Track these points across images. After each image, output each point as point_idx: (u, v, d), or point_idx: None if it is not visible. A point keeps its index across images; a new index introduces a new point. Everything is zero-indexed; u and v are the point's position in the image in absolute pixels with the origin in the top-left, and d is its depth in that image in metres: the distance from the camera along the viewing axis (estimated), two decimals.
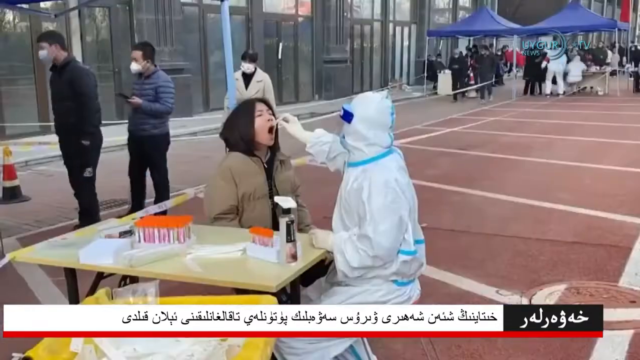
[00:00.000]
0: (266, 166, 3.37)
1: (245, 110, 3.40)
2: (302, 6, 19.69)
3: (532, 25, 22.69)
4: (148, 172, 6.19)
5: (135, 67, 5.89)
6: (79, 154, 5.59)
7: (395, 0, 24.67)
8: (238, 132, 3.35)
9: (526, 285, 4.45)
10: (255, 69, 7.45)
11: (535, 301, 4.16)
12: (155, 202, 5.95)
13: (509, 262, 4.94)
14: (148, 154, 6.01)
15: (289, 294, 2.80)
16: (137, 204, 6.06)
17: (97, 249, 2.92)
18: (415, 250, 2.69)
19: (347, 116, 2.70)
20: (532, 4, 32.57)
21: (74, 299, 3.10)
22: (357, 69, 22.52)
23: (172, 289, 2.92)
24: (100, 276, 3.16)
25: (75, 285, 3.15)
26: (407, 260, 2.66)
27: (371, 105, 2.70)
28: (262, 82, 7.34)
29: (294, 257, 2.69)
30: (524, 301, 4.16)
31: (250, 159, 3.31)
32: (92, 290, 3.03)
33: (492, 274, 4.67)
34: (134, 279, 3.07)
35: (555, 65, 20.85)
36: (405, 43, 25.90)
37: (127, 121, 6.20)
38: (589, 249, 5.24)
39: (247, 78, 7.36)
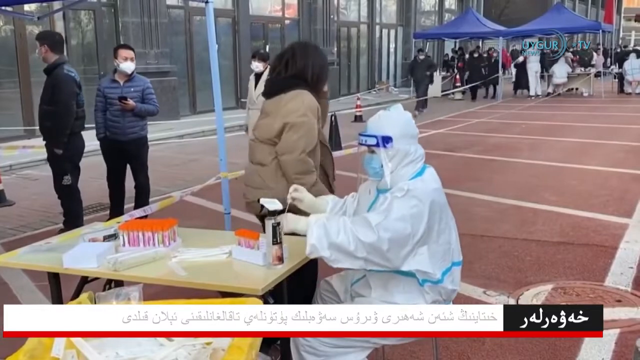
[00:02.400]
0: None
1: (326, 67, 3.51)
2: (288, 9, 19.70)
3: (517, 27, 22.84)
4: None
5: (132, 66, 5.78)
6: (53, 161, 5.59)
7: (381, 2, 24.76)
8: (319, 74, 3.39)
9: (513, 285, 4.47)
10: (266, 68, 7.24)
11: (522, 301, 4.17)
12: (137, 203, 5.91)
13: (495, 263, 4.95)
14: (136, 155, 5.94)
15: (276, 297, 2.79)
16: (117, 208, 6.01)
17: (81, 253, 2.89)
18: (440, 280, 2.56)
19: (387, 140, 2.55)
20: (517, 6, 32.84)
21: (58, 303, 3.06)
22: (344, 71, 22.55)
23: (156, 292, 2.90)
24: (84, 280, 3.13)
25: (59, 290, 3.12)
26: (435, 289, 2.58)
27: (401, 121, 2.62)
28: None
29: (280, 259, 2.68)
30: (511, 301, 4.17)
31: (316, 98, 3.36)
32: (76, 295, 3.00)
33: (479, 274, 4.68)
34: (119, 283, 3.05)
35: (534, 66, 21.02)
36: (392, 45, 26.00)
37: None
38: (575, 249, 5.26)
39: (258, 77, 7.18)
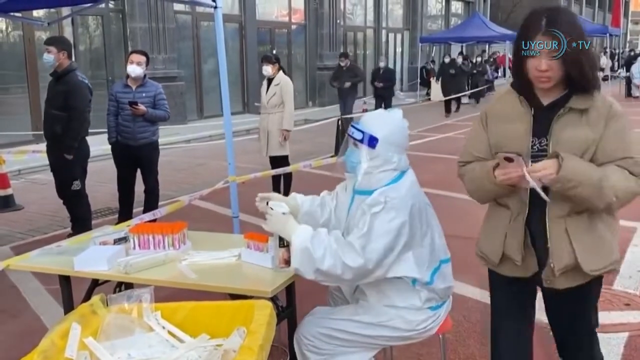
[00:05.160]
0: (539, 111, 2.22)
1: (523, 31, 2.21)
2: (295, 14, 19.74)
3: None
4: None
5: (138, 70, 5.81)
6: (62, 167, 5.60)
7: (387, 7, 24.78)
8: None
9: None
10: (279, 71, 7.15)
11: None
12: (146, 207, 5.95)
13: None
14: (147, 159, 5.98)
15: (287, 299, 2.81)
16: (126, 212, 6.04)
17: (92, 255, 2.91)
18: (429, 281, 2.54)
19: (372, 140, 2.47)
20: (524, 10, 32.67)
21: (69, 307, 3.09)
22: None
23: (166, 295, 2.92)
24: (95, 283, 3.16)
25: (70, 293, 3.14)
26: (427, 288, 2.55)
27: (395, 128, 2.54)
28: (279, 85, 7.08)
29: (287, 262, 2.69)
30: None
31: (518, 98, 2.28)
32: (87, 297, 3.03)
33: (486, 277, 4.66)
34: (129, 286, 3.07)
35: None
36: (398, 50, 26.00)
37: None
38: None
39: (270, 82, 7.14)
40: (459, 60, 19.01)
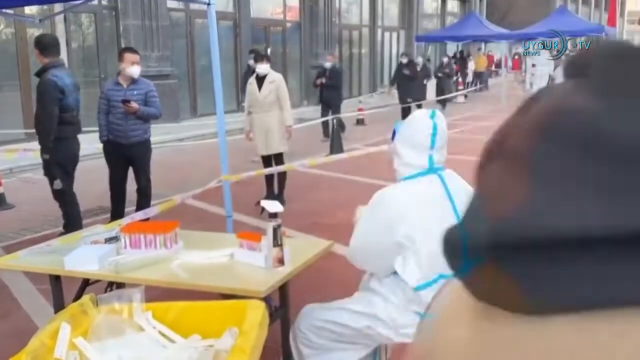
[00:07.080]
0: None
1: None
2: (290, 12, 19.71)
3: (520, 30, 22.86)
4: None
5: (138, 70, 5.78)
6: (44, 165, 5.59)
7: (383, 5, 24.76)
8: None
9: None
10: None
11: None
12: (138, 207, 5.91)
13: None
14: (138, 158, 5.95)
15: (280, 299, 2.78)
16: (118, 211, 6.01)
17: (83, 255, 2.88)
18: (417, 287, 2.41)
19: (393, 135, 2.58)
20: (520, 10, 32.86)
21: (59, 307, 3.05)
22: (345, 74, 22.55)
23: (158, 295, 2.89)
24: (86, 283, 3.12)
25: (61, 292, 3.11)
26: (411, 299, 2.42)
27: (411, 124, 2.56)
28: (275, 82, 7.02)
29: (281, 261, 2.67)
30: None
31: None
32: (77, 297, 2.99)
33: None
34: (121, 286, 3.04)
35: (539, 70, 21.05)
36: (394, 48, 26.00)
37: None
38: None
39: (260, 80, 7.15)
40: (419, 60, 15.97)
